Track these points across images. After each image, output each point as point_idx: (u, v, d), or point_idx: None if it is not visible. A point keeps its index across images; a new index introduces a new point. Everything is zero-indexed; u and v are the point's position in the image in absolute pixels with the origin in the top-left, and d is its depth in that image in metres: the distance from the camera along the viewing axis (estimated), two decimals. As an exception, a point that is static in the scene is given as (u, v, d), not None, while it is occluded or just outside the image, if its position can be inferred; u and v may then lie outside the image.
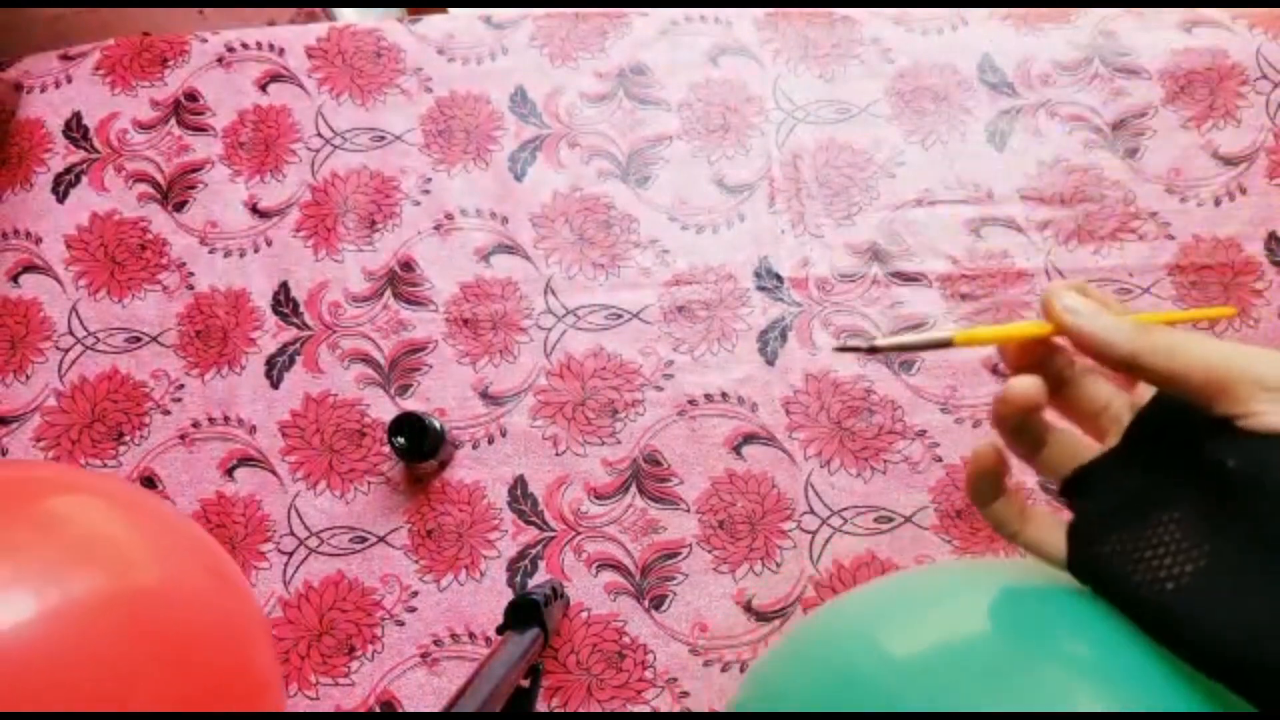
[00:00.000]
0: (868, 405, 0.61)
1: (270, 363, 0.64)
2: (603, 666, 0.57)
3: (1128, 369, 0.23)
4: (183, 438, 0.63)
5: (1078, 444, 0.26)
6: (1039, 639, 0.24)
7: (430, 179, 0.68)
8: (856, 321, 0.63)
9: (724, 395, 0.62)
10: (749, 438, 0.61)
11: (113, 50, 0.73)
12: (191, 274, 0.67)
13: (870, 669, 0.26)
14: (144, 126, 0.71)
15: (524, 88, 0.71)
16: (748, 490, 0.60)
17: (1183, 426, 0.22)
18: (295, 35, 0.73)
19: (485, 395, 0.63)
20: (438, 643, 0.58)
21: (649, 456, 0.61)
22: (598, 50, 0.71)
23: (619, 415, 0.62)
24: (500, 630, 0.48)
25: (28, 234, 0.68)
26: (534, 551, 0.59)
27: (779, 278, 0.64)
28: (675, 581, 0.58)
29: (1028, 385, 0.25)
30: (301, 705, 0.57)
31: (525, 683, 0.45)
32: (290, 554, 0.60)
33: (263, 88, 0.72)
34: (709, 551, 0.58)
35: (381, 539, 0.60)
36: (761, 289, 0.64)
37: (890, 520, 0.59)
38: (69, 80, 0.73)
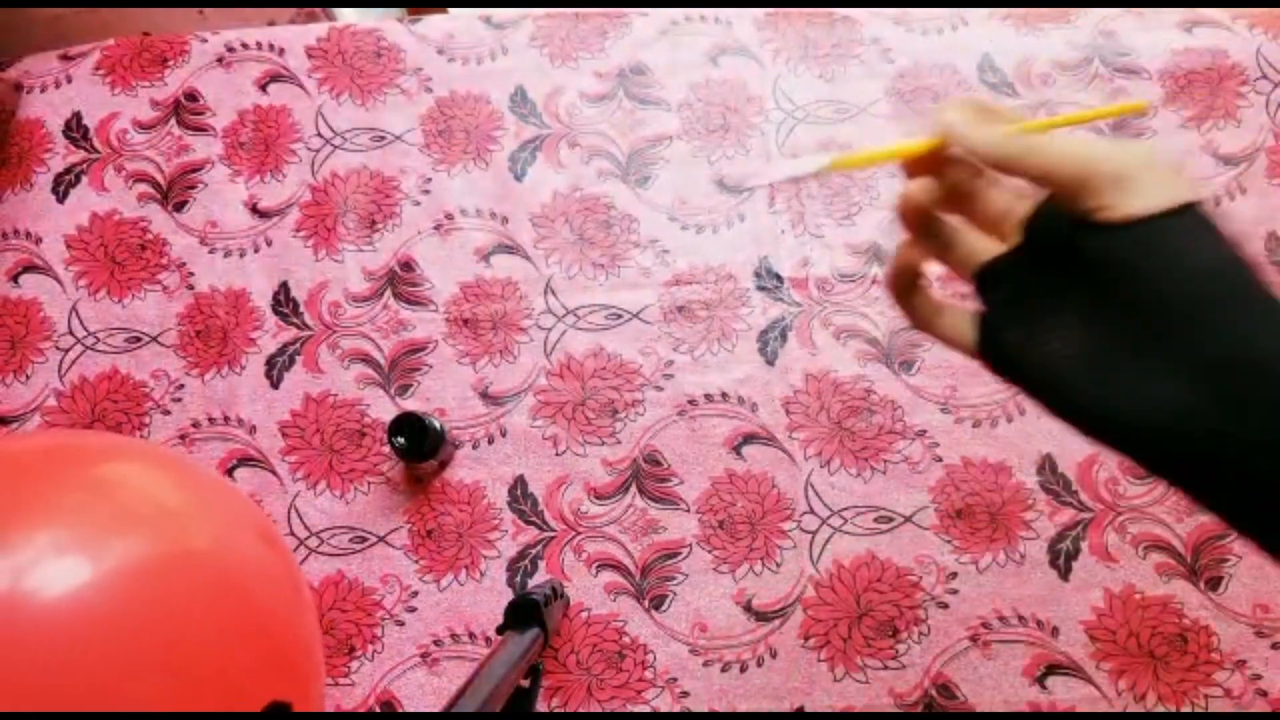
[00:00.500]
0: (868, 405, 0.61)
1: (270, 363, 0.64)
2: (603, 666, 0.57)
3: (1005, 171, 0.25)
4: (183, 438, 0.63)
5: (984, 246, 0.28)
6: None
7: (430, 179, 0.68)
8: (856, 321, 0.63)
9: (724, 395, 0.62)
10: (749, 438, 0.61)
11: (113, 50, 0.73)
12: (191, 274, 0.67)
13: None
14: (144, 126, 0.71)
15: (524, 88, 0.71)
16: (748, 490, 0.60)
17: (1063, 224, 0.24)
18: (295, 35, 0.73)
19: (485, 395, 0.63)
20: (438, 643, 0.58)
21: (649, 456, 0.61)
22: (598, 50, 0.71)
23: (619, 415, 0.62)
24: (500, 630, 0.48)
25: (28, 234, 0.68)
26: (534, 551, 0.59)
27: (779, 278, 0.64)
28: (675, 581, 0.58)
29: (919, 185, 0.28)
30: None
31: (525, 683, 0.45)
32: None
33: (263, 88, 0.72)
34: (709, 551, 0.58)
35: (381, 539, 0.60)
36: (761, 289, 0.64)
37: (890, 520, 0.59)
38: (69, 80, 0.73)
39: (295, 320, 0.65)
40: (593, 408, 0.62)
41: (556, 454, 0.61)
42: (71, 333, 0.66)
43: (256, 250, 0.67)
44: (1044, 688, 0.55)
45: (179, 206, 0.69)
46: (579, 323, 0.64)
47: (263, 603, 0.41)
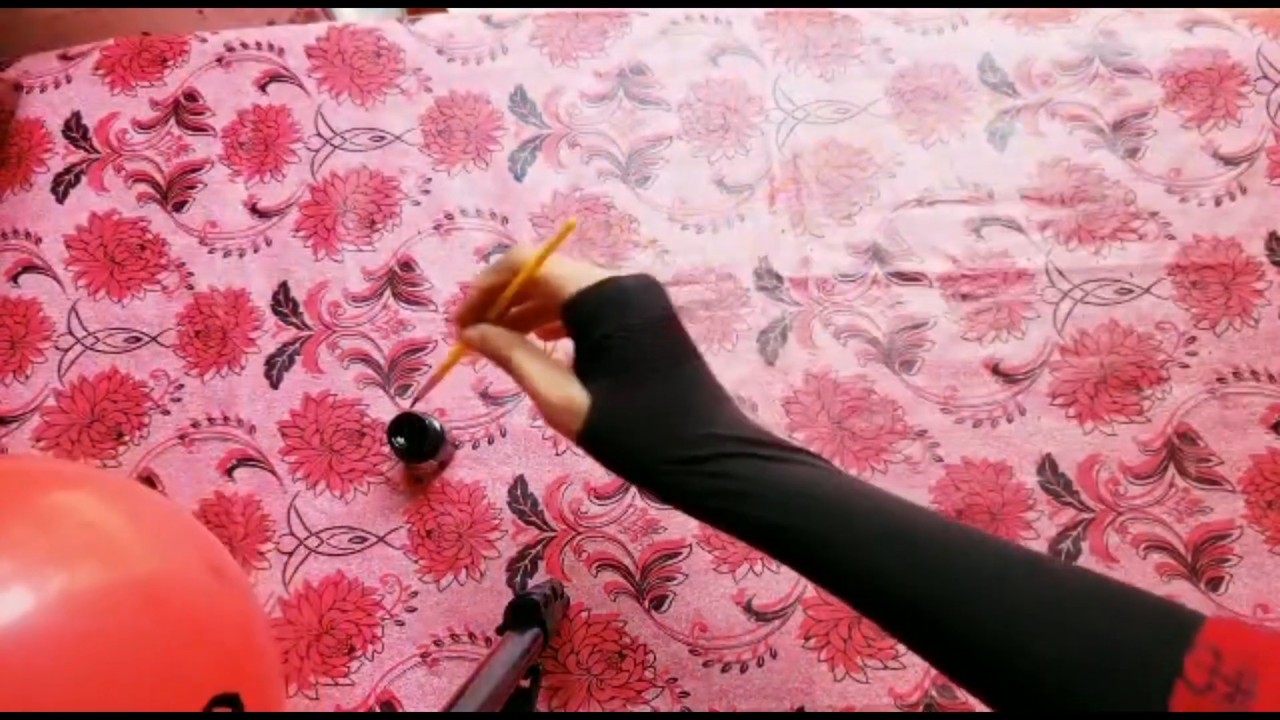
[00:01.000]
0: (868, 405, 0.61)
1: (270, 363, 0.64)
2: (603, 666, 0.57)
3: (525, 326, 0.44)
4: (182, 438, 0.63)
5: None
6: None
7: (430, 179, 0.68)
8: (857, 321, 0.63)
9: (724, 395, 0.62)
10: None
11: (112, 50, 0.73)
12: (191, 274, 0.67)
13: None
14: (143, 126, 0.71)
15: (524, 87, 0.70)
16: (748, 490, 0.59)
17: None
18: (295, 35, 0.73)
19: (485, 395, 0.63)
20: (438, 643, 0.58)
21: (649, 456, 0.61)
22: (598, 50, 0.71)
23: (619, 415, 0.62)
24: (500, 630, 0.48)
25: (27, 234, 0.68)
26: (534, 551, 0.59)
27: (779, 278, 0.64)
28: (675, 582, 0.58)
29: (467, 336, 0.43)
30: (301, 705, 0.57)
31: (525, 683, 0.45)
32: (290, 554, 0.60)
33: (262, 88, 0.72)
34: (709, 551, 0.58)
35: (381, 539, 0.60)
36: (761, 289, 0.64)
37: (890, 520, 0.58)
38: (68, 80, 0.73)
39: (295, 320, 0.65)
40: (593, 408, 0.62)
41: (556, 454, 0.61)
42: (71, 333, 0.66)
43: (256, 250, 0.67)
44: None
45: (178, 206, 0.69)
46: (579, 323, 0.64)
47: (212, 631, 0.42)
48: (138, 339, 0.65)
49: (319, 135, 0.70)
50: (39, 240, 0.68)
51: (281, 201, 0.68)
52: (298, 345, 0.64)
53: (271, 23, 0.87)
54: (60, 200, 0.69)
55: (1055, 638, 0.30)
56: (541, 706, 0.56)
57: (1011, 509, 0.58)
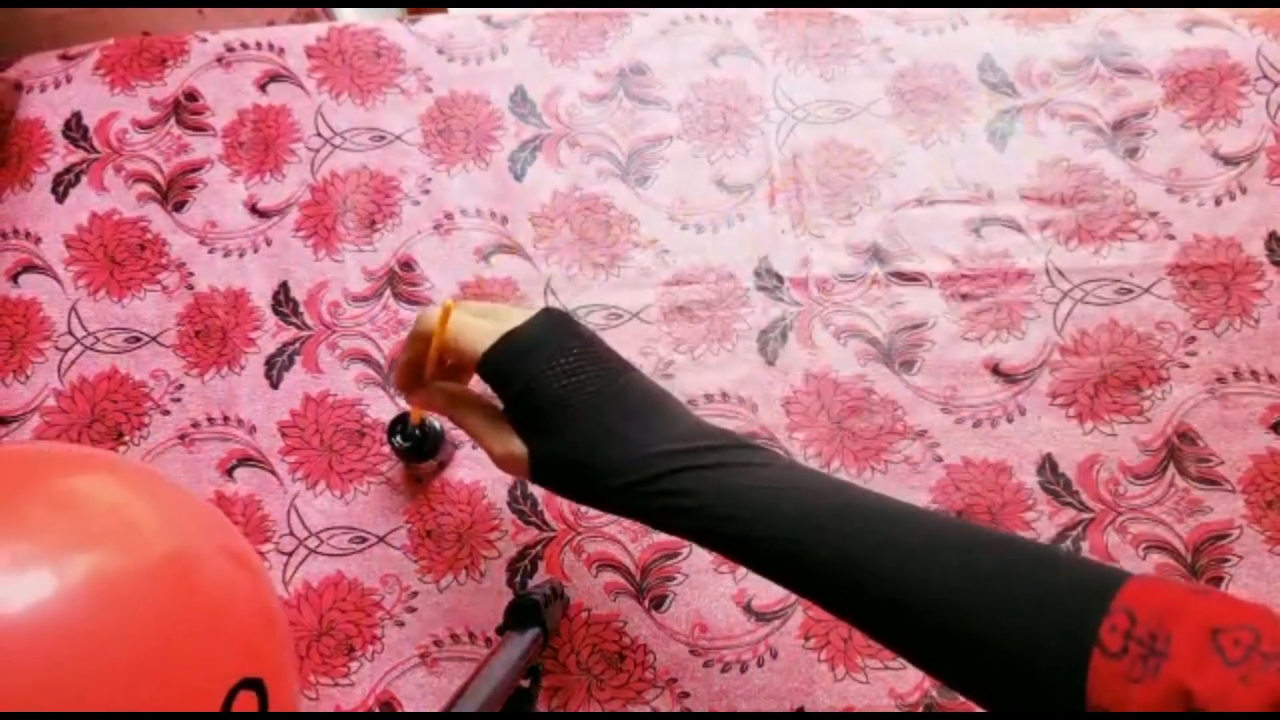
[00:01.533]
0: (868, 405, 0.61)
1: (270, 363, 0.64)
2: (603, 667, 0.57)
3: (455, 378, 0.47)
4: (182, 438, 0.63)
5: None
6: None
7: (430, 179, 0.68)
8: (856, 321, 0.63)
9: (724, 395, 0.62)
10: (749, 437, 0.61)
11: (112, 50, 0.73)
12: (191, 274, 0.67)
13: None
14: (144, 126, 0.71)
15: (524, 87, 0.70)
16: (748, 490, 0.59)
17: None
18: (295, 35, 0.73)
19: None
20: (438, 643, 0.58)
21: (649, 456, 0.60)
22: (598, 50, 0.71)
23: (619, 415, 0.61)
24: (500, 630, 0.48)
25: (27, 234, 0.68)
26: (534, 551, 0.59)
27: (779, 278, 0.64)
28: (675, 582, 0.58)
29: (412, 402, 0.48)
30: (301, 706, 0.57)
31: (525, 683, 0.45)
32: (290, 554, 0.60)
33: (262, 88, 0.72)
34: (709, 552, 0.58)
35: (381, 539, 0.60)
36: (761, 289, 0.64)
37: (890, 520, 0.58)
38: (68, 80, 0.73)
39: (295, 320, 0.65)
40: (593, 408, 0.62)
41: (556, 454, 0.61)
42: (71, 333, 0.66)
43: (256, 250, 0.67)
44: (1044, 688, 0.55)
45: (178, 206, 0.69)
46: (579, 323, 0.64)
47: (232, 618, 0.42)
48: (138, 339, 0.65)
49: (319, 135, 0.70)
50: (39, 240, 0.68)
51: (281, 201, 0.68)
52: (298, 345, 0.64)
53: (271, 23, 0.87)
54: (60, 200, 0.69)
55: (984, 613, 0.31)
56: (541, 707, 0.56)
57: (1011, 509, 0.58)
